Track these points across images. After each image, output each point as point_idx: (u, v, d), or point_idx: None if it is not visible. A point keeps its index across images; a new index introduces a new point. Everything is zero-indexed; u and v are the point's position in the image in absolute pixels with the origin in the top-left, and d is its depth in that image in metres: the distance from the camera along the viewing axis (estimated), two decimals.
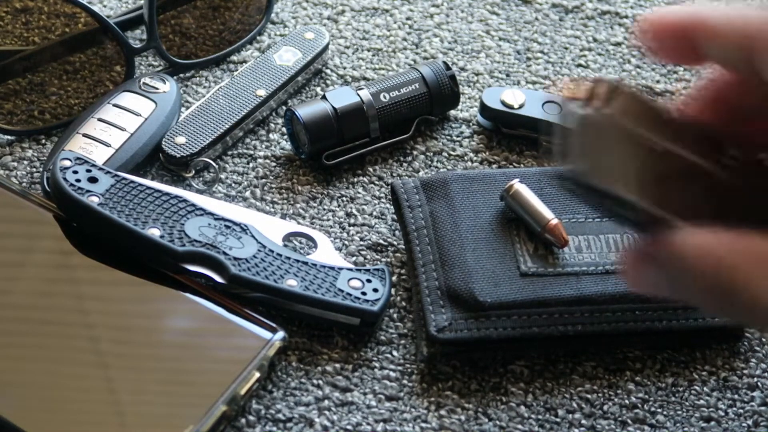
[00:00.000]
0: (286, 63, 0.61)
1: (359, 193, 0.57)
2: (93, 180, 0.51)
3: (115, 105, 0.57)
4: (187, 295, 0.50)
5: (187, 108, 0.60)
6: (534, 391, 0.49)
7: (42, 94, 0.59)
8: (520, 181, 0.52)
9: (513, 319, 0.48)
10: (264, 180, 0.57)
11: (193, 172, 0.57)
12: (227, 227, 0.51)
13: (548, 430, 0.48)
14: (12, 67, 0.59)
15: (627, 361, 0.50)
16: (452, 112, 0.61)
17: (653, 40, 0.35)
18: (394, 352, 0.50)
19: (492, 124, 0.60)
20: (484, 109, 0.60)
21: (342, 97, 0.57)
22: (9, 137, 0.58)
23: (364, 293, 0.49)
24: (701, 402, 0.49)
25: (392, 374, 0.49)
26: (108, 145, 0.55)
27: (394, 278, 0.53)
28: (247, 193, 0.56)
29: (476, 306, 0.49)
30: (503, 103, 0.59)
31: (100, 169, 0.52)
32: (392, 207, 0.55)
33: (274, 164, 0.58)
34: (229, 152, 0.59)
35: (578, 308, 0.49)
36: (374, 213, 0.56)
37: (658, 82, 0.64)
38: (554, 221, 0.51)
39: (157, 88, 0.58)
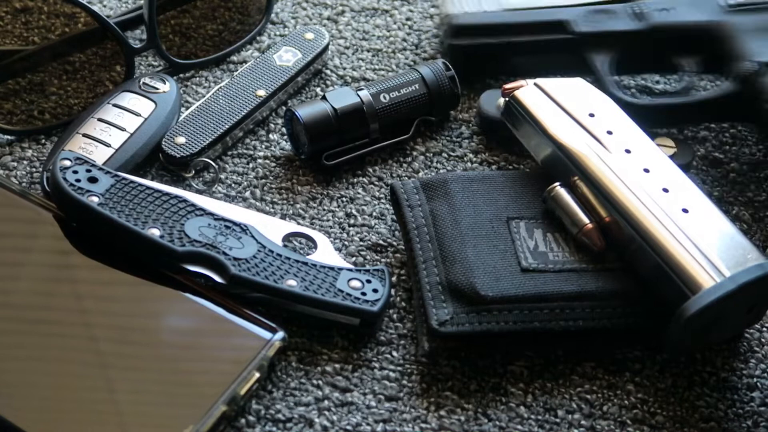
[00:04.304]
0: (286, 63, 0.61)
1: (359, 193, 0.57)
2: (93, 180, 0.51)
3: (115, 105, 0.57)
4: (187, 295, 0.50)
5: (187, 108, 0.60)
6: (534, 392, 0.49)
7: (42, 94, 0.59)
8: (561, 185, 0.52)
9: (514, 313, 0.49)
10: (264, 180, 0.57)
11: (193, 172, 0.57)
12: (227, 227, 0.51)
13: (548, 430, 0.48)
14: (12, 67, 0.59)
15: (627, 361, 0.50)
16: (452, 113, 0.62)
17: None
18: (394, 353, 0.50)
19: (489, 123, 0.60)
20: (483, 112, 0.60)
21: (342, 98, 0.57)
22: (9, 137, 0.58)
23: (363, 294, 0.50)
24: (701, 402, 0.49)
25: (392, 375, 0.49)
26: (108, 145, 0.55)
27: (393, 279, 0.53)
28: (247, 194, 0.56)
29: (478, 300, 0.49)
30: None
31: (100, 169, 0.52)
32: (392, 208, 0.55)
33: (273, 164, 0.58)
34: (229, 152, 0.59)
35: (579, 303, 0.49)
36: (374, 213, 0.56)
37: (657, 82, 0.64)
38: (590, 225, 0.51)
39: (157, 88, 0.58)
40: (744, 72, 0.56)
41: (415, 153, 0.59)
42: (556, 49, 0.60)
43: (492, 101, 0.59)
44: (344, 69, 0.64)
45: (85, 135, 0.55)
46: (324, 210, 0.56)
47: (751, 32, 0.57)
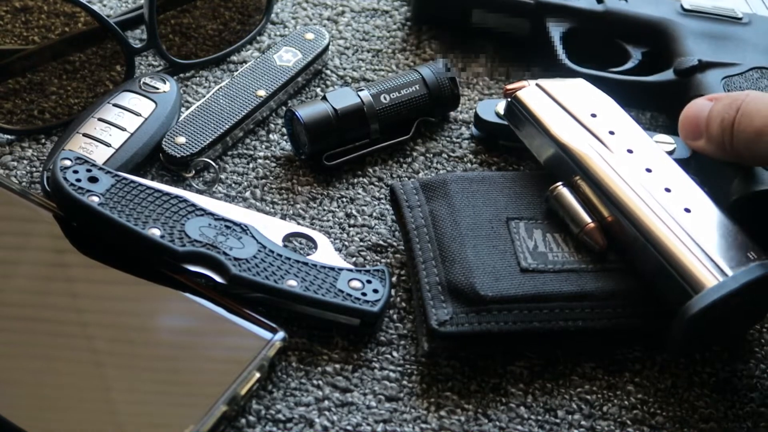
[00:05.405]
0: (286, 63, 0.61)
1: (359, 194, 0.57)
2: (93, 180, 0.51)
3: (115, 105, 0.57)
4: (187, 295, 0.49)
5: (187, 108, 0.60)
6: (534, 392, 0.49)
7: (42, 94, 0.59)
8: (563, 185, 0.52)
9: (514, 313, 0.49)
10: (264, 180, 0.57)
11: (193, 172, 0.57)
12: (227, 227, 0.51)
13: (548, 430, 0.48)
14: (12, 66, 0.59)
15: (626, 362, 0.50)
16: (452, 114, 0.62)
17: None
18: (394, 353, 0.50)
19: (486, 133, 0.60)
20: (479, 122, 0.60)
21: (342, 98, 0.57)
22: (9, 137, 0.58)
23: (364, 294, 0.50)
24: (701, 403, 0.49)
25: (392, 375, 0.49)
26: (108, 145, 0.55)
27: (393, 279, 0.53)
28: (247, 194, 0.56)
29: (477, 300, 0.49)
30: (499, 115, 0.58)
31: (101, 168, 0.52)
32: (392, 208, 0.55)
33: (274, 165, 0.58)
34: (229, 152, 0.59)
35: (579, 303, 0.49)
36: (374, 214, 0.56)
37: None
38: (592, 224, 0.51)
39: (157, 88, 0.58)
40: (684, 66, 0.60)
41: (415, 153, 0.59)
42: (516, 12, 0.64)
43: (489, 110, 0.59)
44: (344, 69, 0.64)
45: (85, 135, 0.55)
46: (324, 210, 0.56)
47: (696, 35, 0.61)
